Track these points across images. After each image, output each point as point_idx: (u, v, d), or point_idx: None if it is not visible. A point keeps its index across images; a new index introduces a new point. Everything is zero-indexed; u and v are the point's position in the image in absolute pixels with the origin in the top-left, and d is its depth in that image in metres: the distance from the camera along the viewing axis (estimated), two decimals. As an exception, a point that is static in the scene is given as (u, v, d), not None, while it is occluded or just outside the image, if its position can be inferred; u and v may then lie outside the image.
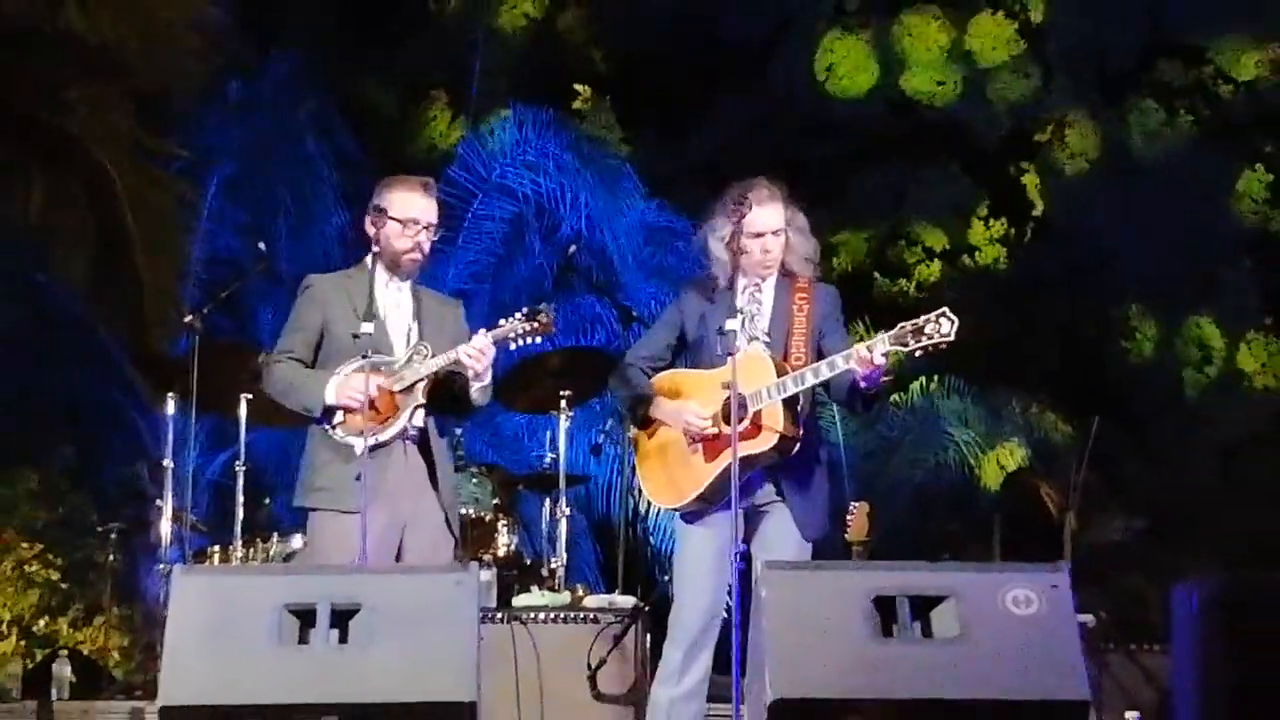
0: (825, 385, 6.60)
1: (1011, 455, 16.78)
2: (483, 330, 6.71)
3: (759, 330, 6.56)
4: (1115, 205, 18.31)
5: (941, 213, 18.61)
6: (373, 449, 6.58)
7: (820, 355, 6.53)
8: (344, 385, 6.61)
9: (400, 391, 6.66)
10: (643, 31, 18.82)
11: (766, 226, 6.59)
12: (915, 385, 17.12)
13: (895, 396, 17.10)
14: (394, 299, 6.87)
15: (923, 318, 6.34)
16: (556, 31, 19.42)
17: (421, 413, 6.74)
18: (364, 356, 6.56)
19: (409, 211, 6.80)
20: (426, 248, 6.85)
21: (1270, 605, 4.25)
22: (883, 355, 6.32)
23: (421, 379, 6.67)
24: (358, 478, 6.52)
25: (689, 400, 6.59)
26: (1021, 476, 15.77)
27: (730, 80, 18.86)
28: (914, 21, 19.02)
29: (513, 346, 6.81)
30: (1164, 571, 11.75)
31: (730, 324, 6.32)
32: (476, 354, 6.60)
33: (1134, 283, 18.26)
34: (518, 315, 6.70)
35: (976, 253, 18.64)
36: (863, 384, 6.38)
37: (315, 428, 6.77)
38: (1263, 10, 18.45)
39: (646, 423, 6.71)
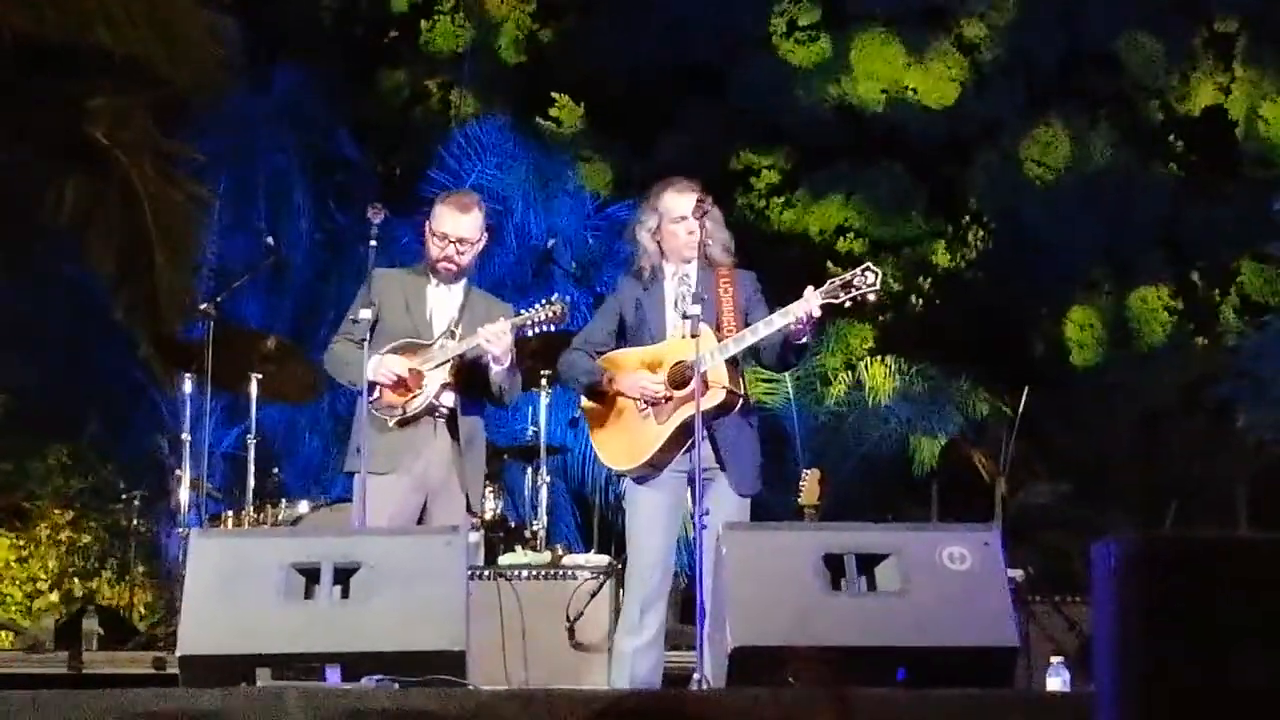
0: (755, 353, 6.70)
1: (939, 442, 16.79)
2: (502, 317, 6.88)
3: (690, 307, 6.60)
4: (1042, 200, 18.30)
5: (886, 209, 18.56)
6: (404, 423, 6.86)
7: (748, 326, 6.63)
8: (379, 365, 6.82)
9: (428, 370, 6.83)
10: (617, 47, 18.77)
11: (686, 210, 6.69)
12: (861, 365, 17.11)
13: (844, 375, 17.11)
14: (443, 296, 7.09)
15: (849, 273, 6.52)
16: (538, 46, 19.35)
17: (451, 394, 6.89)
18: (408, 342, 6.90)
19: (442, 227, 7.02)
20: (460, 260, 7.05)
21: (1180, 561, 4.26)
22: (819, 308, 6.44)
23: (448, 359, 6.85)
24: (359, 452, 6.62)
25: (640, 374, 6.66)
26: (957, 445, 15.78)
27: (694, 90, 18.84)
28: (865, 39, 18.95)
29: (530, 334, 6.98)
30: (1085, 530, 11.80)
31: (692, 308, 6.40)
32: (494, 336, 6.75)
33: (1059, 269, 18.26)
34: (537, 305, 6.90)
35: (916, 245, 18.61)
36: (796, 339, 6.53)
37: (361, 400, 6.91)
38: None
39: (599, 396, 6.76)
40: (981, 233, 18.52)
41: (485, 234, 7.17)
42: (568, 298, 7.18)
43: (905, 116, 18.71)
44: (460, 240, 6.99)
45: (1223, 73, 18.49)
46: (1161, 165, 18.51)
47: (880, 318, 17.54)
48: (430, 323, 6.99)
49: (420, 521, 6.85)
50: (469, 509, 7.01)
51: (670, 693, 6.23)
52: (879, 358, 16.97)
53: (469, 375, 6.91)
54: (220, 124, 15.22)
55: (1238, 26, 18.46)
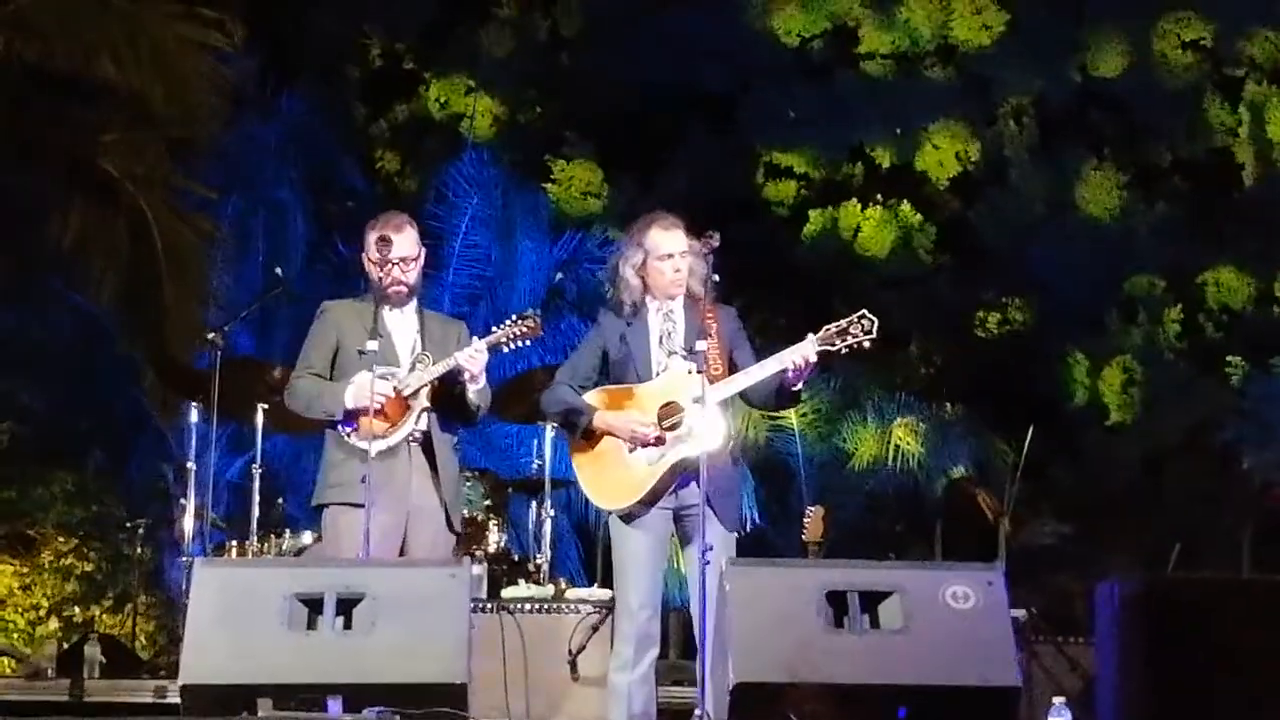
0: (742, 394, 6.70)
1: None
2: (476, 337, 6.88)
3: (677, 345, 6.62)
4: (1048, 241, 18.33)
5: (895, 247, 18.57)
6: (382, 452, 6.73)
7: (733, 367, 6.64)
8: (359, 392, 6.73)
9: (408, 396, 6.79)
10: (625, 80, 18.83)
11: (674, 248, 6.69)
12: (868, 403, 17.11)
13: (849, 412, 17.11)
14: (399, 320, 7.01)
15: (846, 320, 6.52)
16: (548, 75, 19.43)
17: (426, 416, 6.86)
18: (370, 369, 6.69)
19: (378, 250, 6.91)
20: (408, 279, 6.99)
21: (1183, 602, 4.27)
22: (815, 355, 6.45)
23: (425, 384, 6.81)
24: (363, 480, 6.62)
25: (631, 412, 6.64)
26: (961, 484, 15.76)
27: (701, 124, 18.90)
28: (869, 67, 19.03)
29: (506, 349, 6.96)
30: (1089, 571, 11.76)
31: (700, 345, 6.42)
32: (472, 356, 6.75)
33: (1064, 311, 18.27)
34: (508, 321, 6.90)
35: (925, 284, 18.61)
36: (791, 385, 6.53)
37: (331, 433, 6.92)
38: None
39: (587, 432, 6.72)
40: (984, 270, 18.54)
41: (423, 250, 7.12)
42: (538, 312, 7.05)
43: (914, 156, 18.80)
44: (402, 260, 6.93)
45: (1230, 115, 18.54)
46: (1166, 205, 18.56)
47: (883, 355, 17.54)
48: (395, 348, 6.93)
49: (402, 550, 6.81)
50: (450, 528, 6.97)
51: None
52: (904, 419, 16.97)
53: (442, 397, 6.89)
54: (228, 154, 15.29)
55: (1245, 70, 18.51)
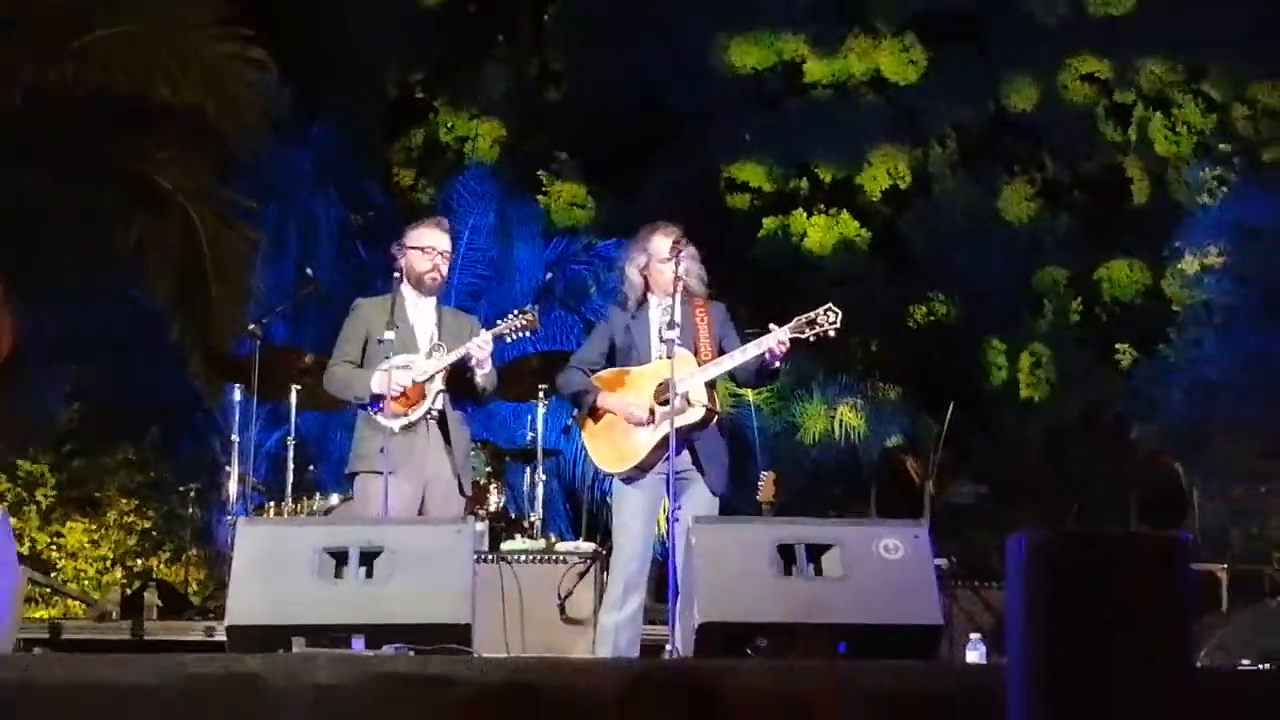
0: (731, 374, 6.77)
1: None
2: (483, 329, 6.93)
3: (675, 335, 6.63)
4: (968, 246, 18.36)
5: (835, 249, 18.59)
6: (404, 428, 6.79)
7: (723, 353, 6.66)
8: (383, 379, 6.78)
9: (424, 381, 6.82)
10: (606, 108, 18.85)
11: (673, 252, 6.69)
12: (814, 384, 17.13)
13: (799, 391, 17.13)
14: (421, 313, 7.07)
15: (814, 312, 6.58)
16: (540, 104, 19.44)
17: (442, 396, 6.87)
18: (387, 358, 6.79)
19: (428, 241, 7.03)
20: (443, 270, 7.08)
21: (1079, 553, 4.28)
22: (786, 341, 6.48)
23: (440, 370, 6.84)
24: (381, 450, 6.70)
25: (629, 392, 6.68)
26: (893, 453, 15.80)
27: (671, 145, 18.92)
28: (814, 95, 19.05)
29: (508, 339, 7.01)
30: (1000, 526, 11.79)
31: (668, 333, 6.48)
32: (482, 346, 6.80)
33: (982, 305, 18.30)
34: (511, 315, 6.94)
35: (862, 282, 18.63)
36: (770, 365, 6.60)
37: (361, 413, 6.97)
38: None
39: (592, 409, 6.76)
40: (912, 269, 18.57)
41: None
42: (535, 307, 7.14)
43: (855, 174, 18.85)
44: (442, 253, 7.03)
45: (1120, 135, 18.60)
46: (1067, 215, 18.62)
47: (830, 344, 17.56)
48: (415, 337, 6.97)
49: (421, 510, 6.84)
50: (461, 492, 7.00)
51: (663, 662, 6.16)
52: (846, 398, 17.00)
53: (454, 380, 6.92)
54: (267, 174, 15.33)
55: (1133, 98, 18.56)
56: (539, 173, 18.43)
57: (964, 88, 18.73)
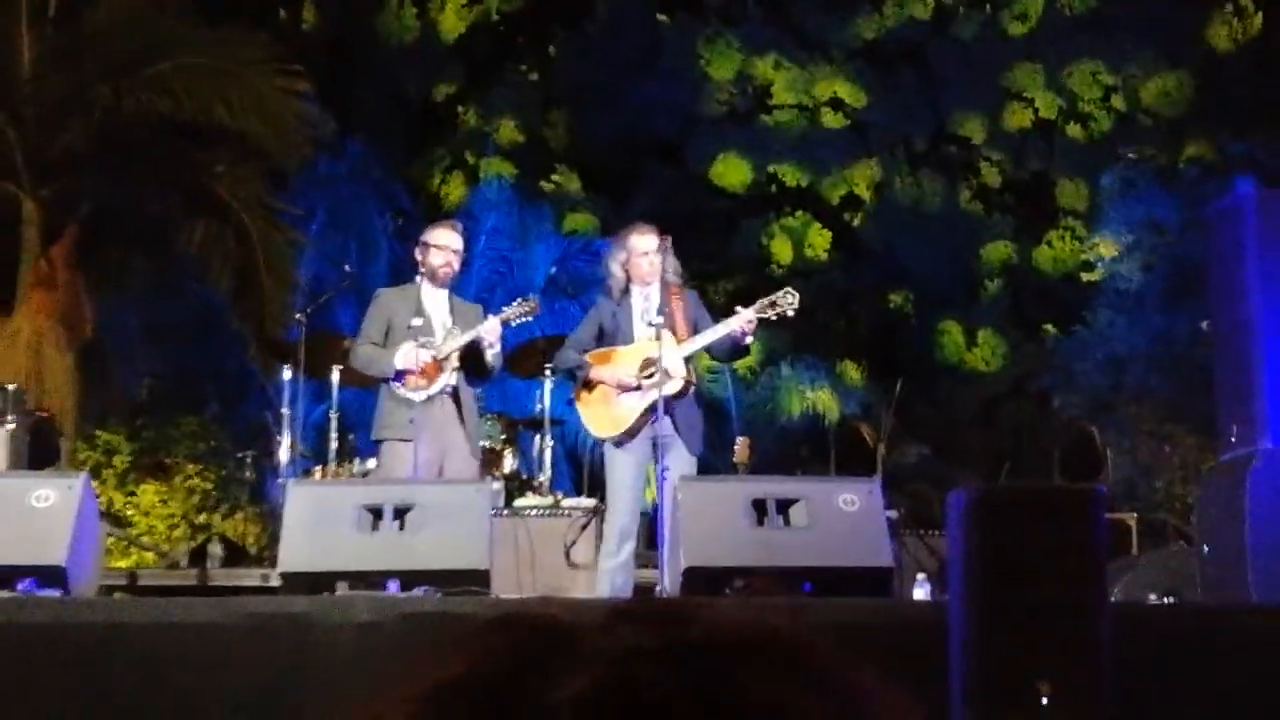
0: (709, 351, 6.79)
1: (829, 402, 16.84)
2: (491, 315, 6.94)
3: (654, 318, 6.64)
4: (911, 238, 18.40)
5: (795, 240, 18.62)
6: (423, 401, 6.77)
7: (698, 332, 6.69)
8: (405, 355, 6.77)
9: (441, 360, 6.80)
10: (600, 127, 18.86)
11: (650, 247, 6.73)
12: (783, 362, 17.16)
13: (769, 368, 17.16)
14: (436, 302, 7.03)
15: (774, 295, 6.65)
16: (542, 125, 19.45)
17: (456, 374, 6.85)
18: (416, 340, 6.78)
19: (443, 240, 7.04)
20: (456, 265, 7.08)
21: (1011, 504, 4.29)
22: (753, 321, 6.52)
23: (454, 350, 6.82)
24: (411, 421, 6.63)
25: (617, 367, 6.69)
26: (850, 420, 15.82)
27: (659, 158, 18.94)
28: (780, 115, 19.06)
29: (513, 324, 7.04)
30: (942, 482, 11.82)
31: (655, 320, 6.52)
32: (491, 329, 6.79)
33: (923, 290, 18.34)
34: (515, 303, 6.99)
35: (821, 274, 18.67)
36: (741, 341, 6.63)
37: (384, 386, 6.93)
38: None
39: (586, 382, 6.78)
40: (863, 260, 18.61)
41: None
42: (536, 296, 7.16)
43: (813, 178, 18.84)
44: (455, 251, 7.04)
45: (1046, 146, 18.66)
46: (1000, 215, 18.67)
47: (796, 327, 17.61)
48: (432, 322, 6.94)
49: (440, 472, 6.82)
50: (473, 456, 7.00)
51: (657, 600, 6.20)
52: (810, 374, 17.05)
53: (467, 359, 6.91)
54: (311, 183, 15.35)
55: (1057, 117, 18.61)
56: (545, 182, 18.44)
57: (912, 108, 18.77)
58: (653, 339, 6.56)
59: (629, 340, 6.76)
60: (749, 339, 6.66)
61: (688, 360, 6.67)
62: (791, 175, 18.85)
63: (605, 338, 6.87)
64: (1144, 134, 17.88)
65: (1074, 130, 18.44)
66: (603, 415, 6.74)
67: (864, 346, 17.79)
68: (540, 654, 0.82)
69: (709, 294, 15.96)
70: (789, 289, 6.62)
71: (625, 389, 6.64)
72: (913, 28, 18.95)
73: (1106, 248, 16.74)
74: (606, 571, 6.64)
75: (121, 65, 11.85)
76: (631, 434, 6.64)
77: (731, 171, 18.81)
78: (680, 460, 6.54)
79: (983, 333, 17.89)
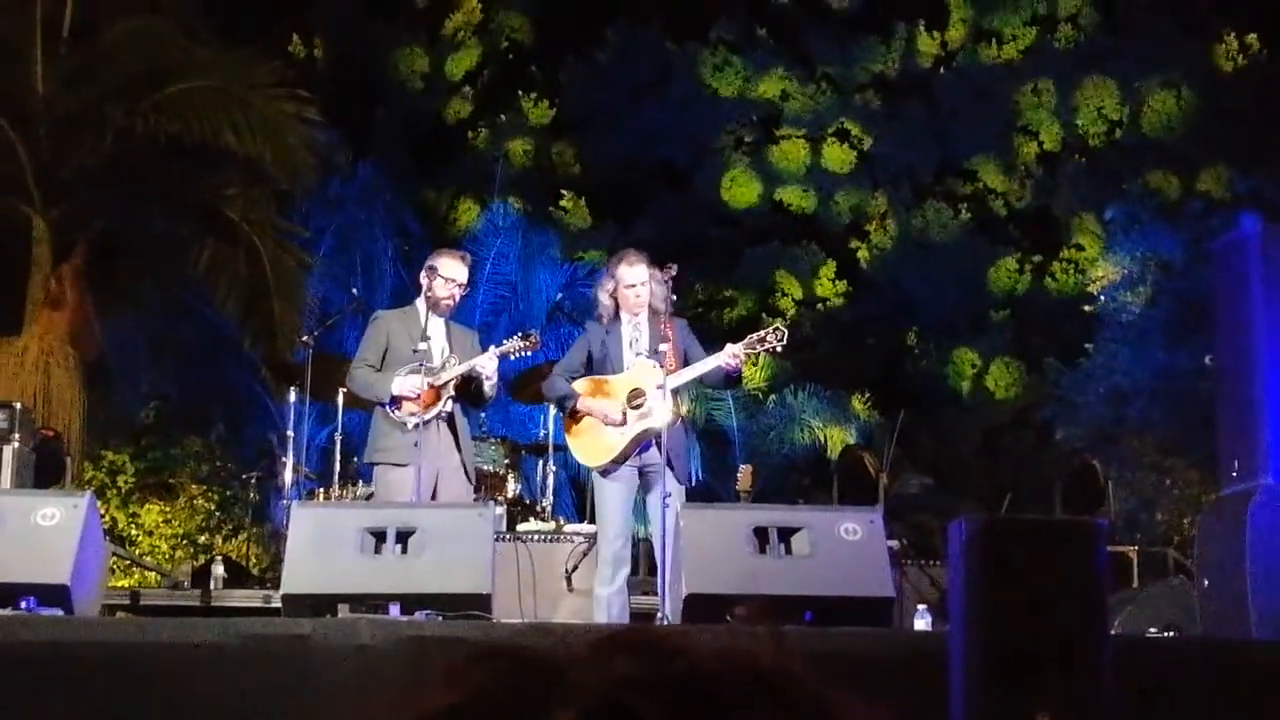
0: (700, 379, 6.77)
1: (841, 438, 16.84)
2: (492, 347, 6.92)
3: (643, 348, 6.64)
4: (916, 268, 18.42)
5: (802, 275, 18.64)
6: (418, 426, 6.73)
7: (688, 363, 6.65)
8: (404, 383, 6.75)
9: (439, 386, 6.78)
10: (608, 153, 18.90)
11: (637, 279, 6.69)
12: (787, 390, 17.15)
13: (773, 396, 17.15)
14: (435, 328, 6.99)
15: (763, 331, 6.64)
16: (551, 152, 19.51)
17: (451, 401, 6.83)
18: (420, 365, 6.76)
19: (450, 273, 6.97)
20: (458, 297, 7.04)
21: (1013, 536, 4.28)
22: (741, 356, 6.51)
23: (452, 378, 6.80)
24: (415, 444, 6.65)
25: (605, 398, 6.66)
26: (852, 449, 15.80)
27: (665, 185, 18.98)
28: (786, 146, 19.11)
29: (512, 358, 7.03)
30: (944, 513, 11.79)
31: (662, 347, 6.50)
32: (488, 361, 6.78)
33: (928, 322, 18.35)
34: (516, 337, 6.95)
35: (825, 302, 18.68)
36: (732, 375, 6.61)
37: (379, 409, 6.92)
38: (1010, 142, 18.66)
39: (574, 412, 6.75)
40: (868, 291, 18.62)
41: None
42: (536, 331, 7.12)
43: (819, 208, 18.88)
44: (460, 284, 6.99)
45: (1051, 180, 18.69)
46: (1005, 246, 18.70)
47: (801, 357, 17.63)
48: (430, 349, 6.90)
49: (434, 496, 6.78)
50: (468, 479, 6.97)
51: (654, 628, 6.18)
52: (813, 403, 17.03)
53: (462, 387, 6.88)
54: (320, 206, 15.37)
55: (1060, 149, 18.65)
56: (552, 208, 18.49)
57: (916, 140, 18.81)
58: (642, 367, 6.57)
59: (618, 367, 6.74)
60: (739, 373, 6.67)
61: (675, 392, 6.65)
62: (798, 201, 18.87)
63: (594, 364, 6.85)
64: (1149, 165, 17.90)
65: (1079, 162, 18.46)
66: (590, 444, 6.73)
67: (866, 377, 17.79)
68: (528, 685, 0.82)
69: (715, 320, 15.97)
70: (778, 325, 6.63)
71: (613, 419, 6.63)
72: (920, 59, 19.02)
73: (1109, 272, 16.74)
74: (603, 598, 6.62)
75: (134, 86, 11.89)
76: (619, 462, 6.63)
77: (741, 191, 18.83)
78: (670, 489, 6.52)
79: (995, 363, 17.90)
